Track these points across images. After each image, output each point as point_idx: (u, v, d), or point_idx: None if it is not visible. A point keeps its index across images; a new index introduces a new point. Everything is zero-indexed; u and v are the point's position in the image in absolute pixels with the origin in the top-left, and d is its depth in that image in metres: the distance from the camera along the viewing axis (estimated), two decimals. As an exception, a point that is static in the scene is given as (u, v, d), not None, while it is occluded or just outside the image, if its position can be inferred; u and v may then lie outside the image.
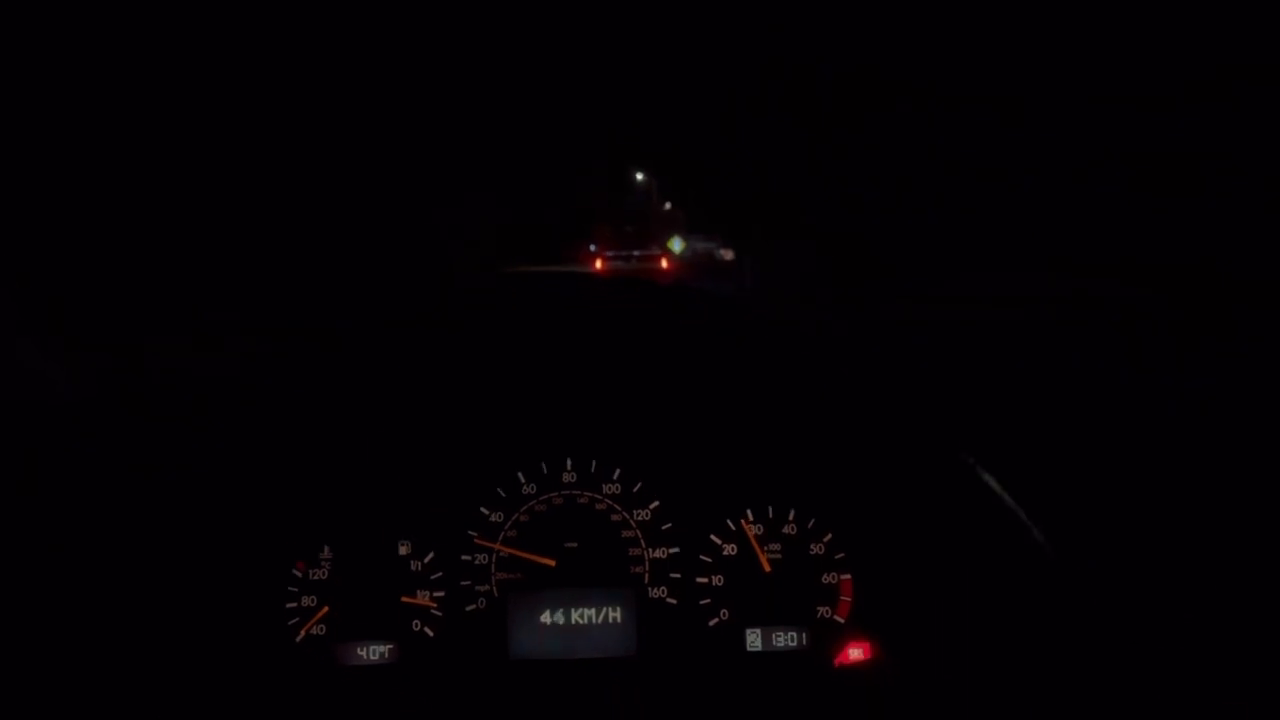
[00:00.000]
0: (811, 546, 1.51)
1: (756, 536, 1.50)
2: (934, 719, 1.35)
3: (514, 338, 1.48)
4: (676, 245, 4.54)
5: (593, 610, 1.48)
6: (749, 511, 1.51)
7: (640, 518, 1.51)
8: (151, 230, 1.62)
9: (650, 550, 1.50)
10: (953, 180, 1.94)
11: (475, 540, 1.49)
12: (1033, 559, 1.30)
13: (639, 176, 4.63)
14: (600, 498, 1.52)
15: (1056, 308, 1.84)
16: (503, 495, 1.51)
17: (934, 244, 2.04)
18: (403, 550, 1.48)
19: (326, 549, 1.47)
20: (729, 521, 1.51)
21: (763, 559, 1.49)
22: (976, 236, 1.96)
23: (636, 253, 4.77)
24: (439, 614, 1.47)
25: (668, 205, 4.65)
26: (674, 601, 1.49)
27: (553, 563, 1.49)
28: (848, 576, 1.50)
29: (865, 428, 1.46)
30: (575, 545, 1.50)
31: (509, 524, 1.50)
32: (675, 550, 1.50)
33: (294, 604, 1.46)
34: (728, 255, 3.98)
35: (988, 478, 1.34)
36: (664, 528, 1.51)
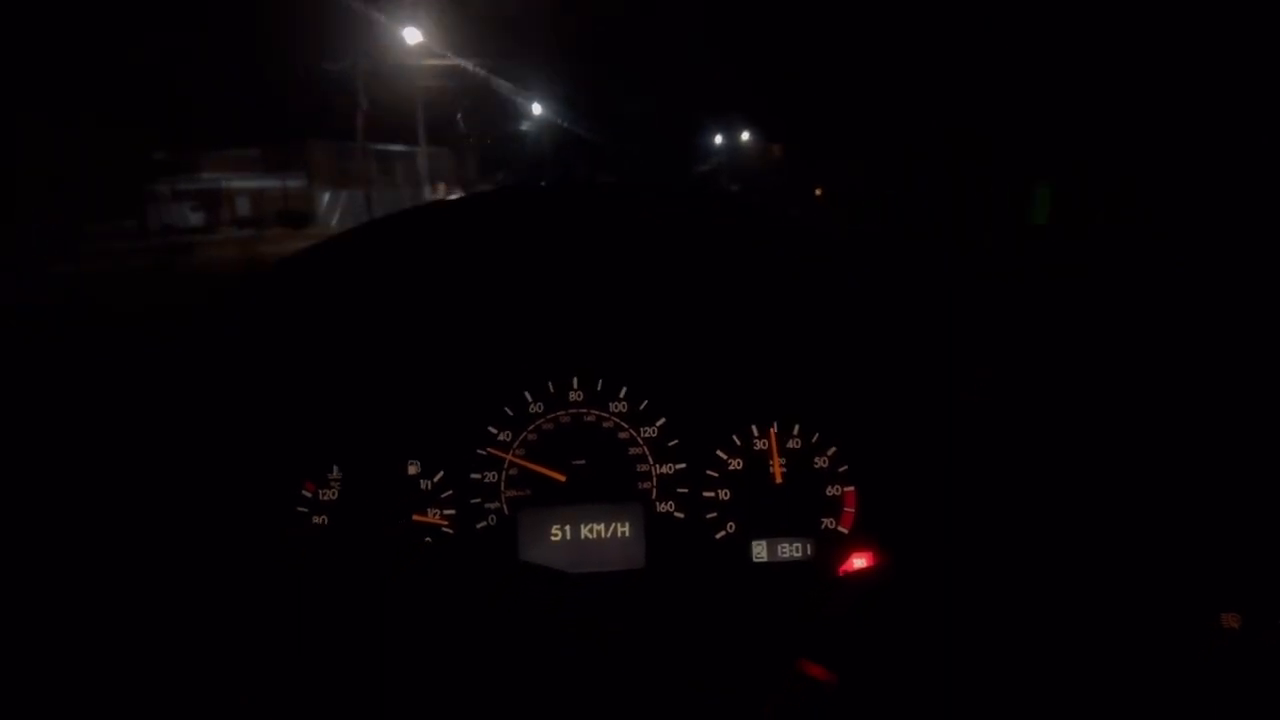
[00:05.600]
0: (816, 460, 1.53)
1: (766, 449, 1.52)
2: (936, 624, 1.39)
3: (519, 253, 1.47)
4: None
5: (601, 525, 1.50)
6: (758, 426, 1.53)
7: (647, 434, 1.53)
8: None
9: (657, 466, 1.52)
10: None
11: (485, 457, 1.50)
12: (1033, 470, 1.34)
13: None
14: (607, 415, 1.53)
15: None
16: (510, 414, 1.51)
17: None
18: (412, 470, 1.49)
19: (335, 469, 1.47)
20: (735, 437, 1.53)
21: (777, 470, 1.52)
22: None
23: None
24: (450, 531, 1.49)
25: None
26: (681, 516, 1.52)
27: (563, 478, 1.50)
28: (851, 488, 1.53)
29: (870, 339, 1.48)
30: (583, 462, 1.52)
31: (517, 442, 1.51)
32: (682, 466, 1.52)
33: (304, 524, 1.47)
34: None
35: (989, 390, 1.37)
36: (670, 444, 1.52)
